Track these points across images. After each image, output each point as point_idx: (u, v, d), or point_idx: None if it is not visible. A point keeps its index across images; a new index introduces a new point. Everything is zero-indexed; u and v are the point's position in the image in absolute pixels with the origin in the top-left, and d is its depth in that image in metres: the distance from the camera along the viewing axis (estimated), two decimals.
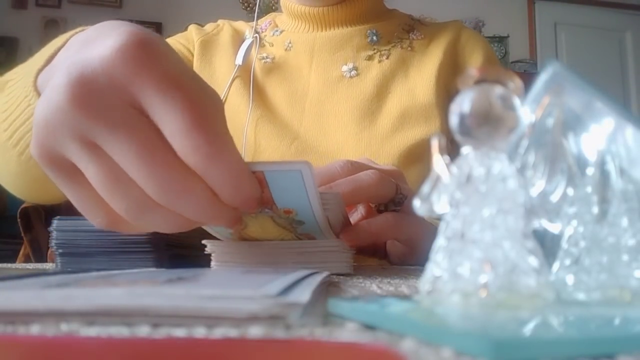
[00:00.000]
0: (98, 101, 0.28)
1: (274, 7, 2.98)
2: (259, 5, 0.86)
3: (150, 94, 0.28)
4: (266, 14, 0.92)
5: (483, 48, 0.81)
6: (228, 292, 0.18)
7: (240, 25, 0.87)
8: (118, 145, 0.28)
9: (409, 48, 0.79)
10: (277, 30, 0.83)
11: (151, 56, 0.28)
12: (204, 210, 0.30)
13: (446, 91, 0.76)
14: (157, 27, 3.31)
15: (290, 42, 0.80)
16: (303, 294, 0.19)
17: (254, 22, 0.84)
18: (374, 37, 0.79)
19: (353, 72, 0.77)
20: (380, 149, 0.72)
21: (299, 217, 0.38)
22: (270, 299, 0.17)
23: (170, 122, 0.28)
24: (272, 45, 0.82)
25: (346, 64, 0.77)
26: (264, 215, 0.37)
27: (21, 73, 0.47)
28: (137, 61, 0.28)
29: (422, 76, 0.76)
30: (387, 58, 0.78)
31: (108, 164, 0.29)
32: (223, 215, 0.31)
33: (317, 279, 0.25)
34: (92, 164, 0.29)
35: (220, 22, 0.88)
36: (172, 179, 0.29)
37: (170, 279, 0.23)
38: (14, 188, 0.67)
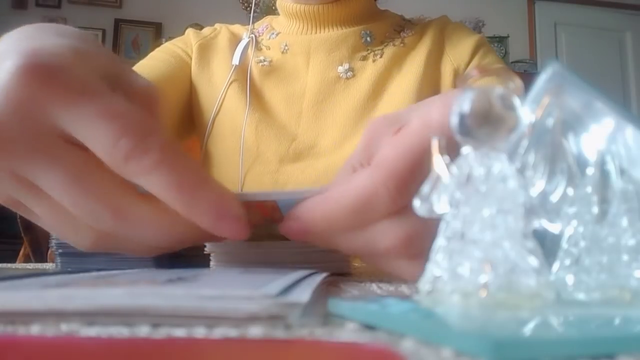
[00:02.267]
0: (9, 140, 0.25)
1: (274, 7, 2.98)
2: (255, 4, 0.87)
3: (62, 115, 0.25)
4: (267, 14, 0.92)
5: (470, 32, 0.83)
6: (228, 292, 0.18)
7: (237, 28, 0.88)
8: (47, 181, 0.25)
9: (402, 44, 0.80)
10: (273, 33, 0.83)
11: (49, 73, 0.25)
12: (166, 231, 0.27)
13: (434, 72, 0.76)
14: (157, 27, 3.31)
15: (286, 45, 0.81)
16: (303, 294, 0.19)
17: (250, 24, 0.85)
18: (368, 38, 0.80)
19: (349, 73, 0.77)
20: None
21: None
22: (270, 299, 0.17)
23: (95, 140, 0.25)
24: (269, 49, 0.82)
25: (342, 65, 0.78)
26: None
27: None
28: (34, 85, 0.25)
29: (414, 67, 0.77)
30: (381, 57, 0.78)
31: (48, 202, 0.26)
32: (196, 234, 0.28)
33: (317, 279, 0.25)
34: (35, 204, 0.27)
35: (217, 25, 0.88)
36: (119, 206, 0.26)
37: (170, 279, 0.23)
38: None
